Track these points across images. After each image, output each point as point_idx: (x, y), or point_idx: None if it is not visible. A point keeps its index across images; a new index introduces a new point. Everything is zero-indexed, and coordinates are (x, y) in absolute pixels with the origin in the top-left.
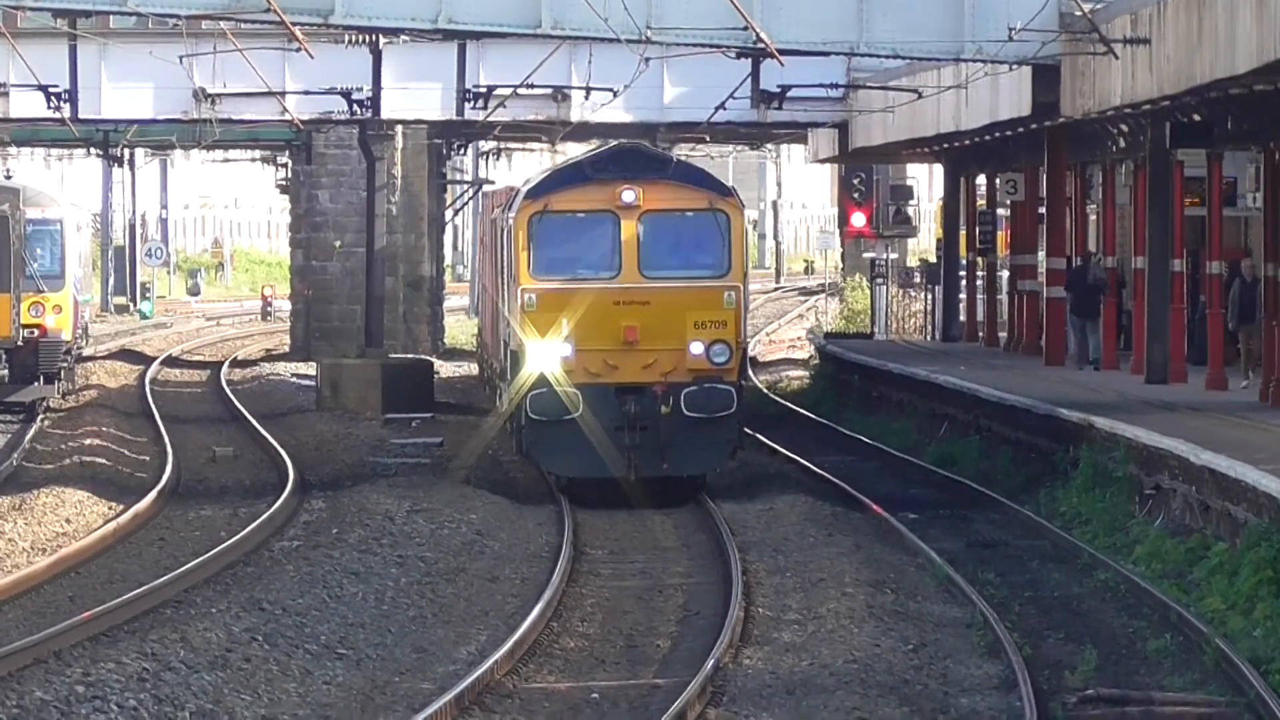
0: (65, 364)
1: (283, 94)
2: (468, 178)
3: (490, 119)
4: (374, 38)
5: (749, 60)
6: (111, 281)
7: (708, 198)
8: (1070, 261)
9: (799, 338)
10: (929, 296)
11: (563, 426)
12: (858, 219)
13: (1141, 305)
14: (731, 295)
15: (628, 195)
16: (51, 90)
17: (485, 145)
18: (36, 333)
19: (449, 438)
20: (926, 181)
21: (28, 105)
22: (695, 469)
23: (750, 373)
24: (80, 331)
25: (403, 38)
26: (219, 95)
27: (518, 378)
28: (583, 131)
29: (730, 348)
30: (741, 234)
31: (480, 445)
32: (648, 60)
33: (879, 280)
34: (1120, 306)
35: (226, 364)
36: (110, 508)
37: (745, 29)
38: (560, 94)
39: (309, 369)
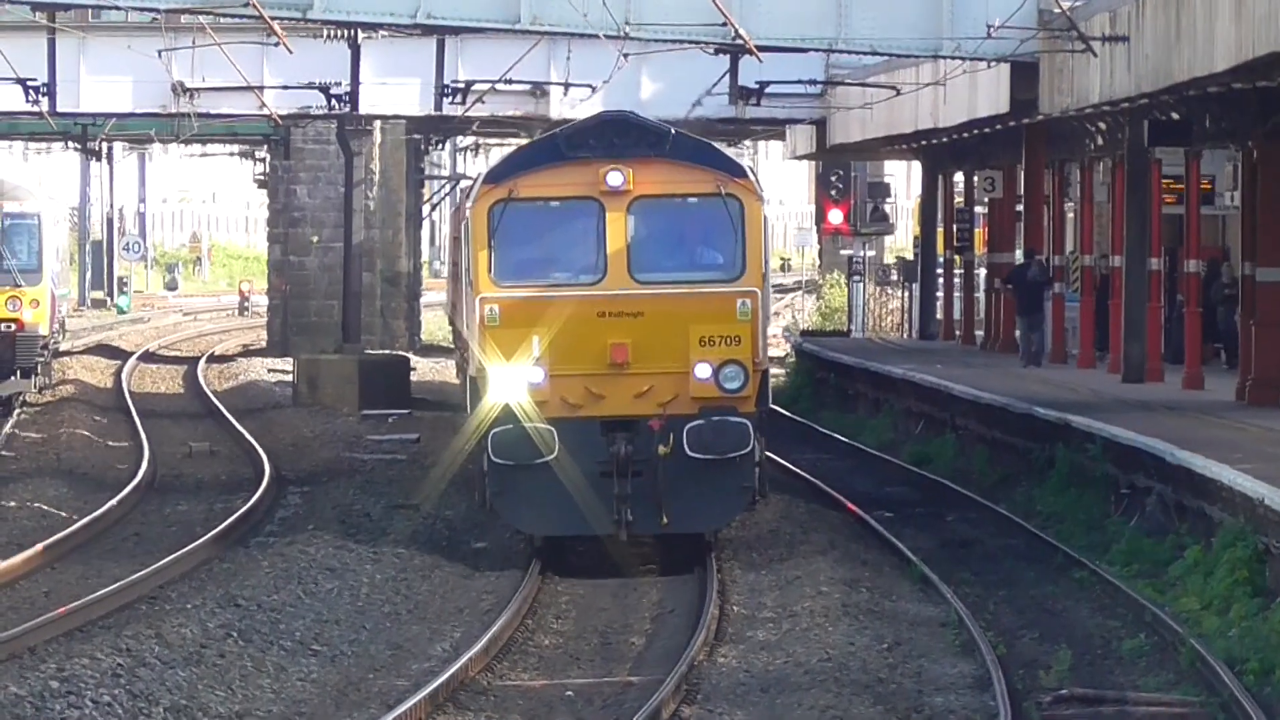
0: (42, 359)
1: (261, 89)
2: (446, 173)
3: (469, 114)
4: (353, 32)
5: (727, 56)
6: (89, 276)
7: (715, 179)
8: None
9: (775, 335)
10: (906, 294)
11: (533, 473)
12: (835, 216)
13: (1119, 303)
14: (747, 304)
15: (614, 178)
16: (30, 83)
17: (464, 141)
18: (13, 327)
19: (426, 434)
20: (904, 178)
21: (6, 98)
22: (702, 524)
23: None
24: (57, 326)
25: (381, 33)
26: (197, 89)
27: (477, 411)
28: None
29: (745, 370)
30: (759, 225)
31: (460, 444)
32: (626, 56)
33: (856, 278)
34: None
35: (203, 359)
36: (86, 502)
37: (724, 25)
38: (539, 89)
39: (286, 364)
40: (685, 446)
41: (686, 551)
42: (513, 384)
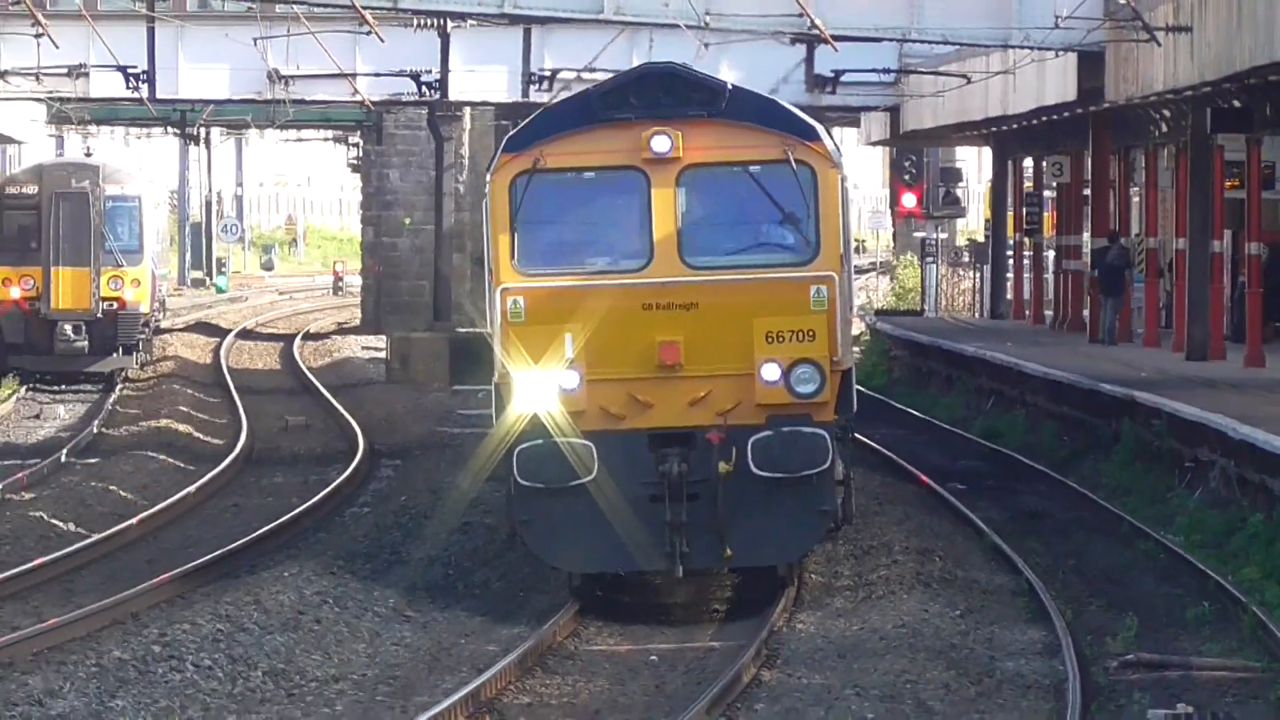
0: (143, 336)
1: (354, 76)
2: None
3: (554, 101)
4: (442, 21)
5: (803, 46)
6: (188, 256)
7: (781, 143)
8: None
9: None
10: (977, 275)
11: (567, 498)
12: (908, 200)
13: (1182, 284)
14: (822, 291)
15: (660, 143)
16: (130, 71)
17: None
18: (115, 305)
19: None
20: (975, 164)
21: (107, 85)
22: (772, 556)
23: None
24: (158, 304)
25: (470, 22)
26: (292, 77)
27: (501, 423)
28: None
29: (821, 370)
30: (835, 196)
31: (484, 462)
32: (707, 46)
33: (929, 259)
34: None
35: (299, 337)
36: (186, 474)
37: (800, 16)
38: None
39: (379, 342)
40: (750, 463)
41: (755, 594)
42: (541, 391)
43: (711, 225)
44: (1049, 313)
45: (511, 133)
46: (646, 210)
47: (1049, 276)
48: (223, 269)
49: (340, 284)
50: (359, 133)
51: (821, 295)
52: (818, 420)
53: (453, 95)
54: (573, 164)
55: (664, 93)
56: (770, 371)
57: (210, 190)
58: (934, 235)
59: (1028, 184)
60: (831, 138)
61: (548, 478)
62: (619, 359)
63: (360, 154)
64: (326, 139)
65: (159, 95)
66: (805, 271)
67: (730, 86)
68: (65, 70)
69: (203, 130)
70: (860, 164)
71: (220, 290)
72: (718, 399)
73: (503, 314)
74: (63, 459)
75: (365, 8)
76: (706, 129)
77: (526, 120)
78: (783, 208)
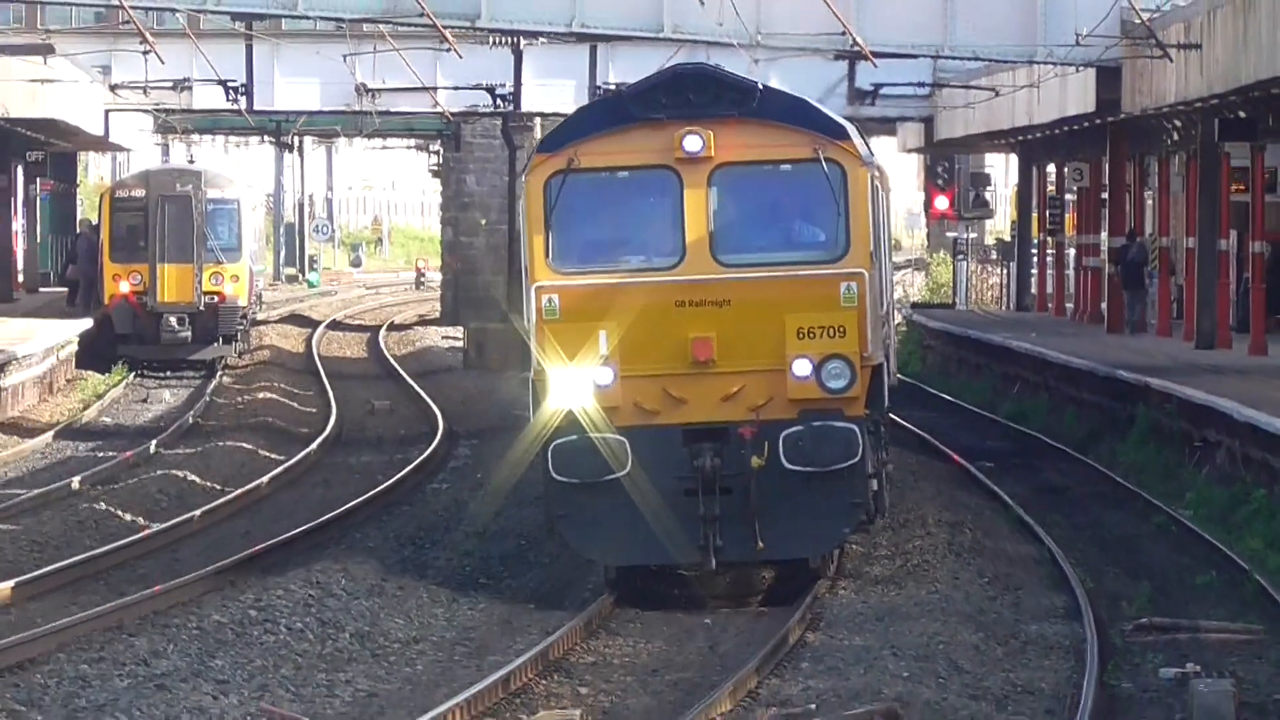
0: (241, 327)
1: (434, 89)
2: None
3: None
4: (515, 39)
5: (845, 62)
6: (283, 254)
7: (812, 142)
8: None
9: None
10: (1004, 271)
11: (602, 492)
12: (941, 202)
13: (1192, 279)
14: (852, 287)
15: (692, 142)
16: (230, 85)
17: None
18: (216, 299)
19: None
20: (1003, 170)
21: (209, 98)
22: (804, 549)
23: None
24: (255, 298)
25: (540, 39)
26: (378, 90)
27: (538, 418)
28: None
29: (852, 366)
30: (865, 194)
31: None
32: (757, 61)
33: (960, 256)
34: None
35: (384, 328)
36: (280, 453)
37: (843, 34)
38: None
39: (457, 332)
40: (782, 457)
41: (788, 583)
42: (576, 387)
43: (743, 223)
44: (1070, 305)
45: (546, 134)
46: (679, 209)
47: (1070, 273)
48: (314, 266)
49: (422, 279)
50: (439, 141)
51: (851, 292)
52: (849, 415)
53: (525, 107)
54: (606, 163)
55: (696, 93)
56: (801, 367)
57: (303, 194)
58: (965, 235)
59: (1050, 188)
60: (863, 137)
61: (582, 473)
62: (653, 355)
63: (440, 160)
64: (409, 147)
65: (256, 107)
66: (835, 268)
67: (761, 86)
68: (170, 84)
69: (296, 139)
70: (897, 169)
71: (312, 285)
72: (750, 394)
73: (538, 311)
74: (167, 439)
75: (446, 26)
76: (738, 128)
77: (562, 121)
78: (813, 206)
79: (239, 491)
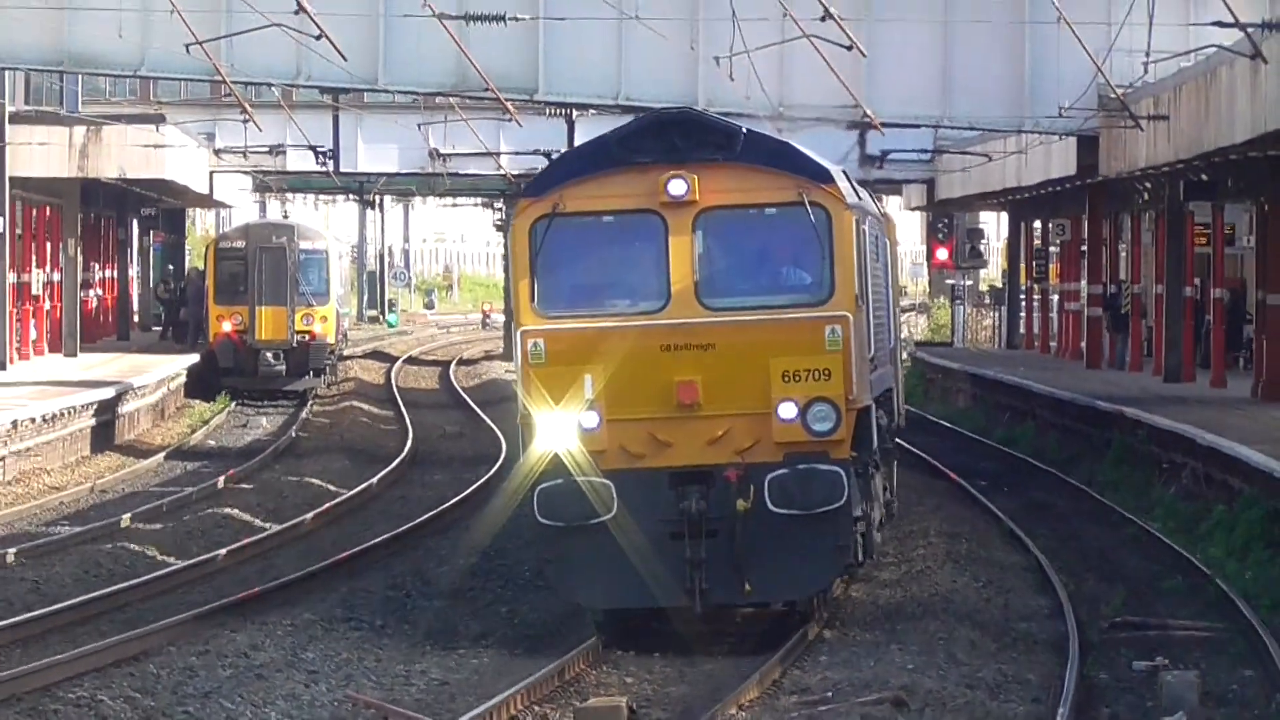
0: (329, 362)
1: (498, 154)
2: None
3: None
4: (568, 111)
5: (856, 131)
6: (365, 298)
7: (796, 185)
8: (1104, 289)
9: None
10: (996, 314)
11: (588, 535)
12: (941, 253)
13: (1161, 321)
14: (837, 330)
15: (677, 186)
16: (319, 150)
17: None
18: (307, 337)
19: None
20: (995, 225)
21: (300, 161)
22: (790, 591)
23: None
24: (341, 337)
25: (590, 111)
26: (449, 154)
27: (525, 461)
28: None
29: (837, 408)
30: (850, 237)
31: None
32: (780, 130)
33: (958, 301)
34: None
35: (454, 362)
36: (364, 472)
37: (855, 106)
38: None
39: None
40: (768, 501)
41: (776, 626)
42: (561, 431)
43: (728, 267)
44: (1054, 344)
45: (532, 179)
46: (664, 252)
47: (1054, 315)
48: (393, 308)
49: (487, 320)
50: (502, 199)
51: (836, 335)
52: (834, 458)
53: None
54: (591, 208)
55: (680, 137)
56: (787, 410)
57: (383, 245)
58: (962, 282)
59: (1037, 241)
60: (849, 179)
61: (568, 516)
62: (638, 399)
63: (503, 216)
64: (476, 204)
65: (342, 169)
66: (820, 311)
67: (745, 130)
68: (267, 149)
69: (377, 197)
70: (902, 225)
71: (391, 326)
72: (736, 437)
73: (524, 355)
74: (266, 459)
75: (508, 99)
76: (722, 172)
77: (547, 166)
78: (798, 249)
79: (327, 505)
